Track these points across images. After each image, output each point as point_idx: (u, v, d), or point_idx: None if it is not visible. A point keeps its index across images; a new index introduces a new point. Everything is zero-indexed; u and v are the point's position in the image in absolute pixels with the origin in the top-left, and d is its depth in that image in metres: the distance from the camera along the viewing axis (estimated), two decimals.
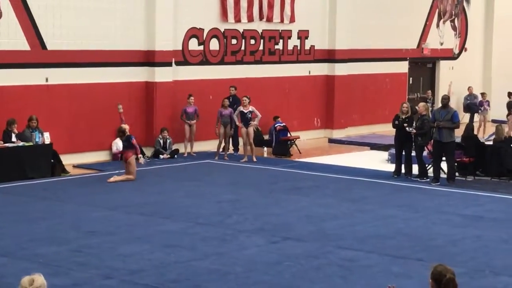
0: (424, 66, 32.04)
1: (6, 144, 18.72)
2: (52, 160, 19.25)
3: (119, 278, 11.02)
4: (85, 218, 14.66)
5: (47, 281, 5.94)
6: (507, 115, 28.63)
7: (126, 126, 19.17)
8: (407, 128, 19.30)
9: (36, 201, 16.26)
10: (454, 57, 32.74)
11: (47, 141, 19.21)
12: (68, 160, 20.22)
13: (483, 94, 30.32)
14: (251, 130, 22.09)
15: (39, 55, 20.20)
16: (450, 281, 5.94)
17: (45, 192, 17.27)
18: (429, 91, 30.77)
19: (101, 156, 21.67)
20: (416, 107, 20.90)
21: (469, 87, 31.54)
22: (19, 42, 19.81)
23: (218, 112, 22.14)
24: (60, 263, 11.68)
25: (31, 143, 18.92)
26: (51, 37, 20.37)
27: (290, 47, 26.31)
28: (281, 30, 25.97)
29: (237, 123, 22.24)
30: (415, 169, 19.46)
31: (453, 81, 31.74)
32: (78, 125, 20.98)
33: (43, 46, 20.26)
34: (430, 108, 25.76)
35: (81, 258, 11.97)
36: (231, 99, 22.72)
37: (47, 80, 20.43)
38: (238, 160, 21.98)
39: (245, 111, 22.13)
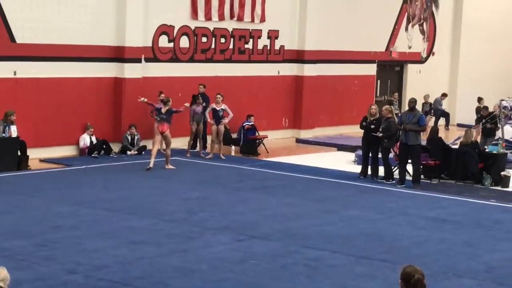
0: (392, 69, 32.23)
1: None
2: (19, 154, 19.15)
3: (83, 273, 11.00)
4: (50, 213, 14.60)
5: (10, 275, 5.93)
6: (476, 119, 28.90)
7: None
8: (373, 133, 19.42)
9: (1, 194, 16.14)
10: (421, 61, 32.97)
11: (14, 134, 19.09)
12: (35, 154, 20.11)
13: None
14: (221, 128, 22.14)
15: (7, 48, 20.05)
16: (418, 281, 6.07)
17: (11, 185, 17.17)
18: (396, 94, 30.96)
19: (68, 151, 21.57)
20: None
21: (443, 93, 31.87)
22: None
23: (191, 110, 22.18)
24: (25, 257, 11.64)
25: None
26: (20, 30, 20.23)
27: (260, 46, 26.35)
28: (251, 30, 26.02)
29: (209, 119, 22.26)
30: (381, 171, 19.59)
31: (420, 85, 31.97)
32: (45, 119, 20.86)
33: (12, 39, 20.13)
34: (396, 111, 25.95)
35: (45, 252, 11.94)
36: (199, 97, 22.71)
37: (15, 73, 20.31)
38: (205, 156, 22.02)
39: (217, 109, 22.16)
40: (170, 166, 19.90)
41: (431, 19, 33.12)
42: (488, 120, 23.27)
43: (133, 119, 22.29)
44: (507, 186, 19.43)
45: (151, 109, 22.24)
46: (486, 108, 25.68)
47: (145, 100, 20.58)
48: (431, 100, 31.42)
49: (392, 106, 22.36)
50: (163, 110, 20.01)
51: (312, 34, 27.39)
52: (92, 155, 21.18)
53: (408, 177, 19.31)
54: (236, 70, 25.53)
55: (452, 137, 26.17)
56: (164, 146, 20.13)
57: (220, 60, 25.13)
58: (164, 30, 23.46)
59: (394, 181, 19.24)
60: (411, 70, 32.52)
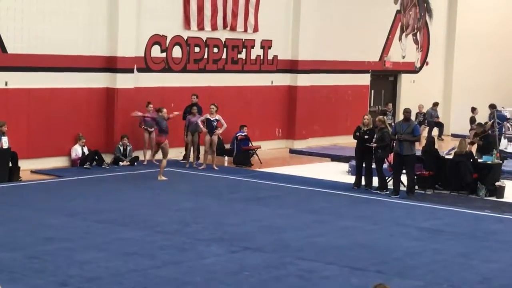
0: (385, 79, 32.20)
1: None
2: (10, 165, 19.02)
3: (75, 285, 10.90)
4: (42, 224, 14.49)
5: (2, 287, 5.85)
6: (470, 130, 28.87)
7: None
8: (367, 144, 19.36)
9: None
10: (415, 70, 32.97)
11: (6, 145, 18.96)
12: (26, 165, 19.99)
13: None
14: (215, 138, 22.04)
15: None
16: None
17: (2, 197, 17.06)
18: (390, 104, 30.91)
19: (59, 162, 21.45)
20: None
21: (434, 103, 31.78)
22: None
23: (186, 120, 22.12)
24: (16, 269, 11.53)
25: None
26: (11, 40, 20.14)
27: (253, 56, 26.30)
28: (245, 39, 25.96)
29: (202, 128, 22.15)
30: (375, 181, 19.51)
31: (414, 95, 31.96)
32: (37, 130, 20.75)
33: (3, 49, 20.03)
34: (390, 121, 25.89)
35: (37, 264, 11.84)
36: (195, 107, 22.62)
37: (6, 84, 20.20)
38: (198, 167, 21.94)
39: (211, 119, 22.08)
40: (163, 178, 19.78)
41: (425, 29, 33.14)
42: (482, 137, 23.02)
43: (125, 129, 22.19)
44: (502, 197, 19.36)
45: (139, 121, 22.23)
46: (480, 124, 25.28)
47: (139, 114, 20.57)
48: (425, 110, 31.38)
49: (385, 117, 22.29)
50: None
51: (305, 44, 27.36)
52: (84, 166, 21.06)
53: (403, 188, 19.24)
54: (229, 80, 25.47)
55: (446, 147, 26.11)
56: (156, 156, 20.05)
57: (213, 70, 25.06)
58: (156, 40, 23.39)
59: (388, 192, 19.17)
60: (405, 80, 32.50)
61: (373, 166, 19.56)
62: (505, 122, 28.69)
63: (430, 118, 31.25)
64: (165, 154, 19.95)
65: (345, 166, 22.94)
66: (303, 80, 27.50)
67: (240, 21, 25.63)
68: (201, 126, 22.15)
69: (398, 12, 31.61)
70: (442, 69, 34.26)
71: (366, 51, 30.10)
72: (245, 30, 25.86)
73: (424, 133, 28.93)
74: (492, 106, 29.18)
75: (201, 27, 24.48)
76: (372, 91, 31.09)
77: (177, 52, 23.99)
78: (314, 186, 19.75)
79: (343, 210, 17.09)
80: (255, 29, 26.13)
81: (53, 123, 21.07)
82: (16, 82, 20.32)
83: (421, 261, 12.99)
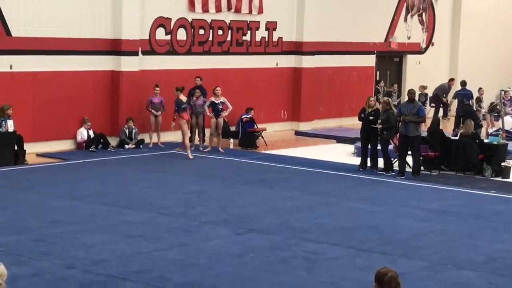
0: (391, 60, 32.10)
1: None
2: (15, 148, 19.05)
3: (81, 268, 10.93)
4: (48, 207, 14.52)
5: (8, 270, 5.86)
6: (476, 110, 28.71)
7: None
8: (372, 125, 19.32)
9: None
10: (421, 51, 32.85)
11: (11, 128, 18.98)
12: (31, 148, 20.00)
13: None
14: (220, 121, 22.04)
15: (3, 42, 19.92)
16: (392, 279, 6.01)
17: (8, 180, 17.09)
18: (395, 85, 30.81)
19: (65, 145, 21.46)
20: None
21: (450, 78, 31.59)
22: None
23: (190, 103, 22.15)
24: (22, 252, 11.56)
25: None
26: (15, 23, 20.10)
27: (258, 38, 26.22)
28: (249, 21, 25.88)
29: (208, 113, 22.15)
30: (380, 162, 19.49)
31: (419, 75, 31.85)
32: (42, 113, 20.75)
33: (8, 32, 20.00)
34: (395, 103, 25.84)
35: (43, 247, 11.87)
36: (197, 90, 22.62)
37: (11, 67, 20.18)
38: (203, 150, 21.94)
39: (216, 102, 22.06)
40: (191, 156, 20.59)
41: (430, 9, 32.98)
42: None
43: (130, 112, 22.18)
44: (508, 177, 19.35)
45: (146, 103, 22.26)
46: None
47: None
48: (428, 91, 31.21)
49: (390, 98, 22.23)
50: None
51: (310, 25, 27.26)
52: (90, 149, 21.07)
53: (408, 169, 19.23)
54: (234, 63, 25.41)
55: (451, 128, 26.06)
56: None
57: (217, 53, 25.01)
58: (161, 22, 23.33)
59: (393, 173, 19.16)
60: (411, 60, 32.39)
61: (379, 147, 19.54)
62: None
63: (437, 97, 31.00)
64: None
65: (350, 148, 22.92)
66: (308, 61, 27.42)
67: (245, 2, 25.53)
68: (208, 113, 22.11)
69: None
70: (447, 50, 34.11)
71: (371, 32, 29.98)
72: (250, 12, 25.78)
73: (430, 114, 28.83)
74: (462, 84, 28.89)
75: (205, 9, 24.40)
76: (378, 72, 31.00)
77: (181, 34, 23.94)
78: (319, 168, 19.75)
79: (349, 191, 17.08)
80: (260, 11, 26.04)
81: (58, 106, 21.07)
82: (20, 66, 20.30)
83: (427, 242, 12.99)
